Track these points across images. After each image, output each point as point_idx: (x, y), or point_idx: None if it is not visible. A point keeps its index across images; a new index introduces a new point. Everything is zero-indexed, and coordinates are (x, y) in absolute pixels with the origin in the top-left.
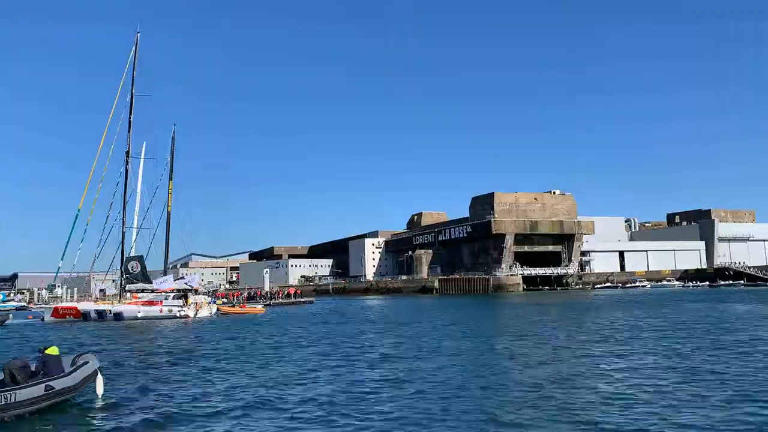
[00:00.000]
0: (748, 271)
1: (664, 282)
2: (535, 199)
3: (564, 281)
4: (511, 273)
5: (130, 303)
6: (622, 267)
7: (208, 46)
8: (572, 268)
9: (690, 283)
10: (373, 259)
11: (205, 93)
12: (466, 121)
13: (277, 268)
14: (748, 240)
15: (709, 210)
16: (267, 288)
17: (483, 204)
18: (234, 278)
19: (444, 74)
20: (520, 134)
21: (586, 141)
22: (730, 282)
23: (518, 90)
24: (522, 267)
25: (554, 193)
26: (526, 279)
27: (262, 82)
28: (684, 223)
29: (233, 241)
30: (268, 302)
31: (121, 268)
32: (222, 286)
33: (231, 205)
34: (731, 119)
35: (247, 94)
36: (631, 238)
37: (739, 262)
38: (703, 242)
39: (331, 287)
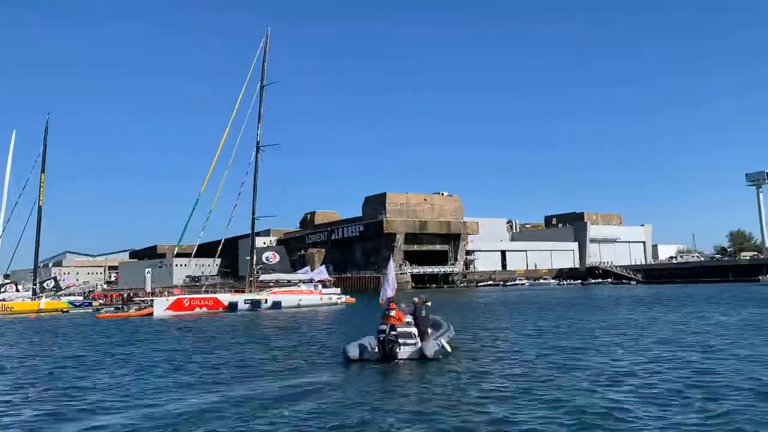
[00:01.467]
0: (615, 270)
1: (541, 280)
2: (424, 200)
3: (450, 279)
4: (401, 271)
5: (275, 292)
6: (504, 266)
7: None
8: (458, 267)
9: (564, 282)
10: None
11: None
12: (359, 120)
13: (160, 267)
14: (616, 241)
15: (583, 213)
16: (148, 289)
17: (375, 204)
18: (113, 278)
19: (333, 67)
20: (412, 133)
21: (473, 143)
22: (599, 280)
23: (405, 89)
24: (411, 265)
25: (442, 194)
26: (415, 277)
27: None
28: (560, 225)
29: (114, 239)
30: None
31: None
32: (99, 287)
33: (114, 200)
34: (608, 125)
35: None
36: (513, 239)
37: (608, 262)
38: (577, 243)
39: (218, 287)
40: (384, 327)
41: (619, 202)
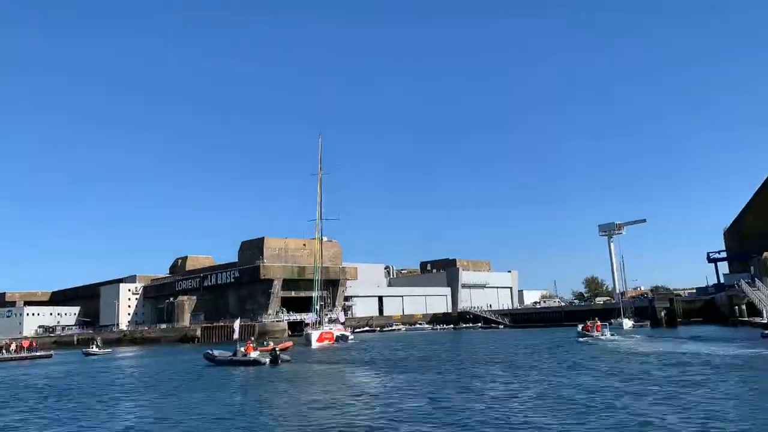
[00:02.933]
0: (485, 315)
1: (417, 325)
2: (303, 245)
3: None
4: (277, 319)
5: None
6: (381, 311)
7: None
8: (336, 313)
9: (438, 326)
10: (129, 306)
11: None
12: (236, 164)
13: (8, 317)
14: (485, 287)
15: (455, 259)
16: None
17: (252, 248)
18: None
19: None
20: (288, 180)
21: (354, 188)
22: (471, 325)
23: (287, 134)
24: (288, 312)
25: (322, 239)
26: (292, 324)
27: None
28: (434, 271)
29: None
30: None
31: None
32: None
33: None
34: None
35: None
36: (390, 284)
37: (478, 307)
38: (450, 288)
39: (76, 338)
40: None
41: (489, 249)
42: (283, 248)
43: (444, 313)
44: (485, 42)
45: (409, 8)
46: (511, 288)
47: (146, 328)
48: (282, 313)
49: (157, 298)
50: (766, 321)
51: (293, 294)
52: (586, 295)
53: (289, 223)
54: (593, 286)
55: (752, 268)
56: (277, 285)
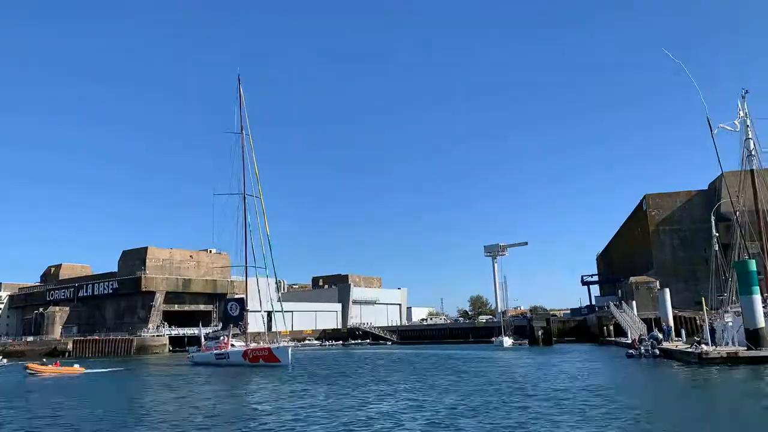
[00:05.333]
0: (374, 331)
1: (306, 341)
2: (190, 256)
3: None
4: (158, 333)
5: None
6: (270, 327)
7: None
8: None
9: (327, 342)
10: None
11: None
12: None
13: None
14: (375, 303)
15: (347, 275)
16: None
17: (135, 259)
18: None
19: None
20: (175, 185)
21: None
22: (360, 341)
23: (183, 138)
24: (170, 327)
25: (210, 251)
26: (174, 339)
27: None
28: (326, 286)
29: None
30: None
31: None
32: None
33: None
34: (378, 200)
35: None
36: (280, 299)
37: (368, 323)
38: (341, 304)
39: None
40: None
41: (380, 266)
42: (168, 259)
43: (334, 329)
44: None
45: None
46: (400, 305)
47: (10, 340)
48: (163, 327)
49: (25, 308)
50: (630, 341)
51: (176, 307)
52: (470, 313)
53: (175, 232)
54: (477, 304)
55: (620, 291)
56: (159, 297)
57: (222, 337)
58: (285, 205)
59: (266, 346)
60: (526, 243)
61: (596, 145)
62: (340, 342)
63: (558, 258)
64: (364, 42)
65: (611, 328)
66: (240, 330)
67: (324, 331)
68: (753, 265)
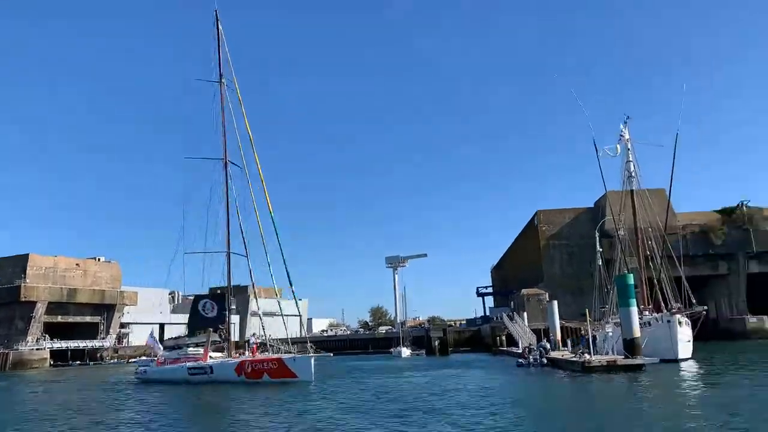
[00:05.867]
0: (272, 343)
1: None
2: (77, 264)
3: (99, 355)
4: (37, 346)
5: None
6: (162, 339)
7: None
8: (109, 341)
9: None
10: None
11: None
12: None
13: None
14: (275, 315)
15: (246, 286)
16: None
17: (14, 266)
18: None
19: None
20: (68, 188)
21: (129, 214)
22: None
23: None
24: (52, 340)
25: (99, 259)
26: (56, 353)
27: None
28: None
29: None
30: None
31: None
32: None
33: None
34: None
35: None
36: (174, 311)
37: (268, 335)
38: (239, 316)
39: None
40: None
41: (282, 276)
42: (51, 267)
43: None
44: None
45: None
46: (301, 316)
47: None
48: (44, 340)
49: None
50: (520, 350)
51: (60, 319)
52: (370, 324)
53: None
54: (378, 315)
55: (512, 303)
56: (40, 308)
57: (184, 347)
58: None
59: (274, 356)
60: (425, 255)
61: (493, 166)
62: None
63: (456, 270)
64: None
65: (503, 338)
66: (220, 337)
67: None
68: (631, 279)
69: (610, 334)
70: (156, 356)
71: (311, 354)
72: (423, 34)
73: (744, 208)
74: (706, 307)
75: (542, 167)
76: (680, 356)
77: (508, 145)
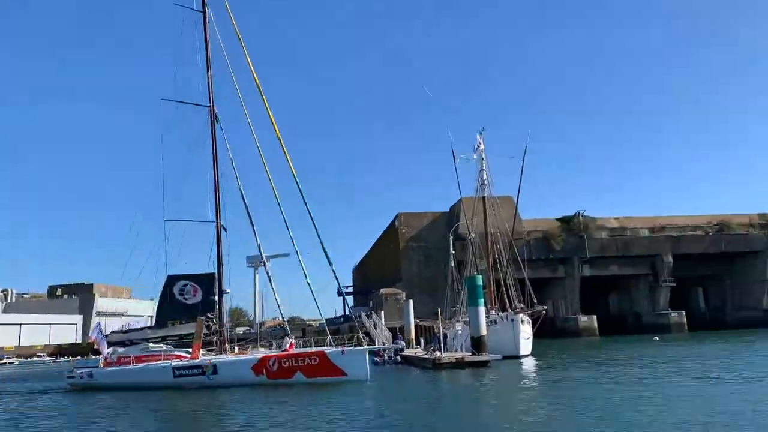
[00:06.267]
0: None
1: (35, 358)
2: None
3: None
4: None
5: None
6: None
7: None
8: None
9: (63, 358)
10: None
11: None
12: None
13: None
14: (123, 315)
15: (92, 284)
16: None
17: None
18: None
19: None
20: None
21: None
22: (99, 356)
23: None
24: None
25: None
26: None
27: None
28: (66, 296)
29: None
30: None
31: None
32: None
33: None
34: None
35: None
36: (6, 310)
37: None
38: (82, 316)
39: None
40: None
41: (133, 275)
42: None
43: (72, 344)
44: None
45: None
46: (151, 316)
47: None
48: None
49: None
50: (377, 349)
51: None
52: (229, 324)
53: None
54: (236, 315)
55: (371, 302)
56: None
57: (143, 342)
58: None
59: (314, 349)
60: (287, 255)
61: (355, 166)
62: (79, 357)
63: (320, 270)
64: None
65: (361, 336)
66: (208, 329)
67: (60, 346)
68: (480, 281)
69: (460, 332)
70: (104, 355)
71: (365, 346)
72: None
73: (580, 217)
74: (545, 307)
75: (404, 171)
76: (521, 353)
77: (373, 148)
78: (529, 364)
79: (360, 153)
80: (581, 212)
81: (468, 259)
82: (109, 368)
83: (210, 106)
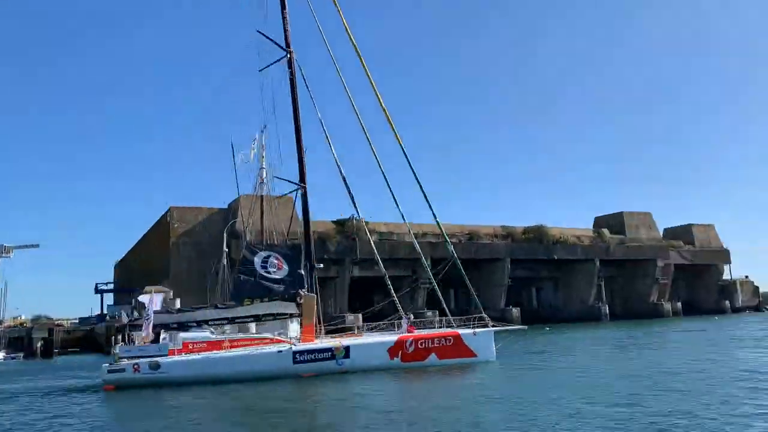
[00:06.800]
0: None
1: None
2: None
3: None
4: None
5: None
6: None
7: None
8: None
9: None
10: None
11: None
12: None
13: None
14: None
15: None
16: None
17: None
18: None
19: None
20: None
21: None
22: None
23: None
24: None
25: None
26: None
27: None
28: None
29: None
30: None
31: None
32: None
33: None
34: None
35: None
36: None
37: None
38: None
39: None
40: None
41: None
42: None
43: None
44: None
45: None
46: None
47: None
48: None
49: None
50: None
51: None
52: None
53: None
54: None
55: (134, 300)
56: None
57: (213, 323)
58: None
59: (448, 331)
60: (37, 245)
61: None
62: None
63: (74, 264)
64: None
65: (120, 337)
66: (298, 308)
67: None
68: None
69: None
70: (143, 337)
71: (492, 327)
72: None
73: (354, 220)
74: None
75: (177, 163)
76: None
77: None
78: None
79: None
80: (354, 215)
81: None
82: (188, 357)
83: (287, 48)
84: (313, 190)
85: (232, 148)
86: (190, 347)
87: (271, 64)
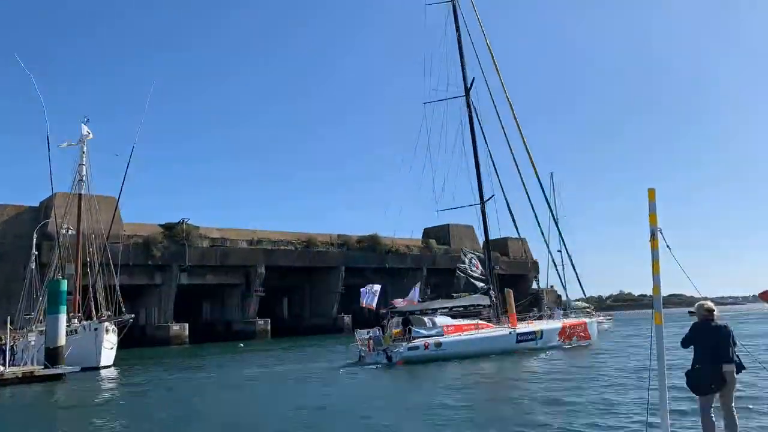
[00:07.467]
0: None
1: None
2: None
3: None
4: None
5: None
6: None
7: None
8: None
9: None
10: None
11: None
12: None
13: None
14: None
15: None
16: None
17: None
18: None
19: None
20: None
21: None
22: None
23: None
24: None
25: None
26: None
27: None
28: None
29: None
30: None
31: None
32: None
33: None
34: None
35: None
36: None
37: None
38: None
39: None
40: None
41: None
42: None
43: None
44: None
45: None
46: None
47: None
48: None
49: None
50: None
51: None
52: None
53: None
54: None
55: None
56: None
57: (435, 311)
58: None
59: (580, 319)
60: None
61: None
62: None
63: None
64: None
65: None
66: (491, 301)
67: None
68: (64, 285)
69: (33, 342)
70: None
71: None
72: None
73: (184, 225)
74: (133, 315)
75: None
76: (102, 363)
77: None
78: (109, 375)
79: None
80: (186, 220)
81: (54, 261)
82: (459, 337)
83: (466, 95)
84: (139, 191)
85: (48, 139)
86: (445, 330)
87: None
